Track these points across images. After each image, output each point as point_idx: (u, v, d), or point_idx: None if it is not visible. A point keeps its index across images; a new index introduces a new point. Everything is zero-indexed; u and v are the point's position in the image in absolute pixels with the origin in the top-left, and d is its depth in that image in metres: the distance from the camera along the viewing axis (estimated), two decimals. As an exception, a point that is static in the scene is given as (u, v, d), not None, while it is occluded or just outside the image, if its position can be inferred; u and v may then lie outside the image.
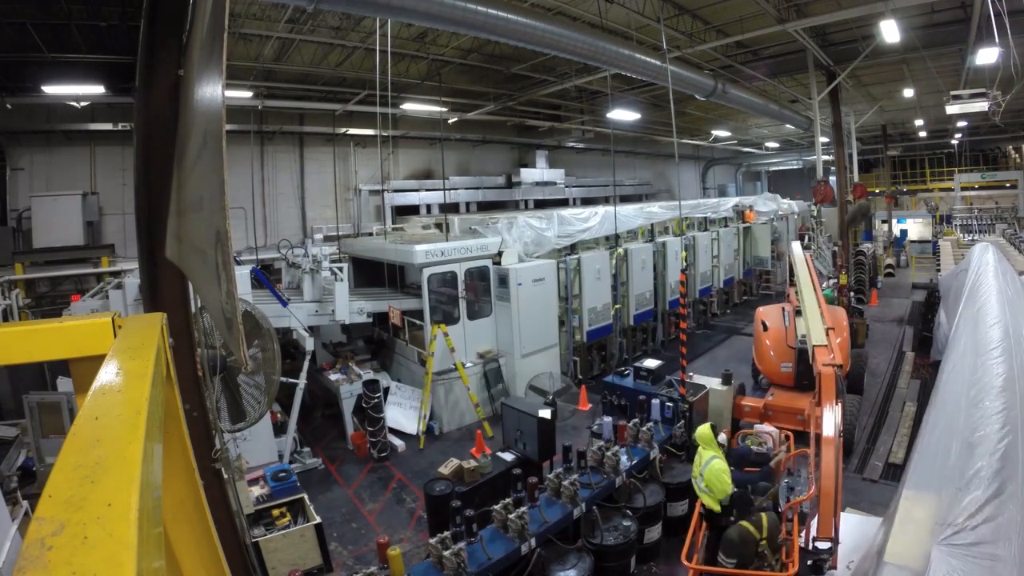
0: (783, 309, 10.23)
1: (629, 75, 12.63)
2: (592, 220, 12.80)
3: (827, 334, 6.03)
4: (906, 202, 36.22)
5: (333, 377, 10.14)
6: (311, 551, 5.88)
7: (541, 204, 22.33)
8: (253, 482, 6.52)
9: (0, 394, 9.08)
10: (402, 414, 10.10)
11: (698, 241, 15.97)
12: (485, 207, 21.04)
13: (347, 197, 19.09)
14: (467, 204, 20.96)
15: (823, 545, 4.99)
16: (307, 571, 5.72)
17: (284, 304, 9.11)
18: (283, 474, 6.52)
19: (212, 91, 1.98)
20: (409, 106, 16.51)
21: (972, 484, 3.43)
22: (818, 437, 5.45)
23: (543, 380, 9.67)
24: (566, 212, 13.21)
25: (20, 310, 10.47)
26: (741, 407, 9.15)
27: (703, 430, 5.67)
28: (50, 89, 11.45)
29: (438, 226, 15.22)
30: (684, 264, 11.48)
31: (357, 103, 15.39)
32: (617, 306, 12.99)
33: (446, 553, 4.24)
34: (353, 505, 7.99)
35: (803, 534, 5.67)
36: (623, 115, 18.82)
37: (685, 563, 5.02)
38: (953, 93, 12.79)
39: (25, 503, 5.37)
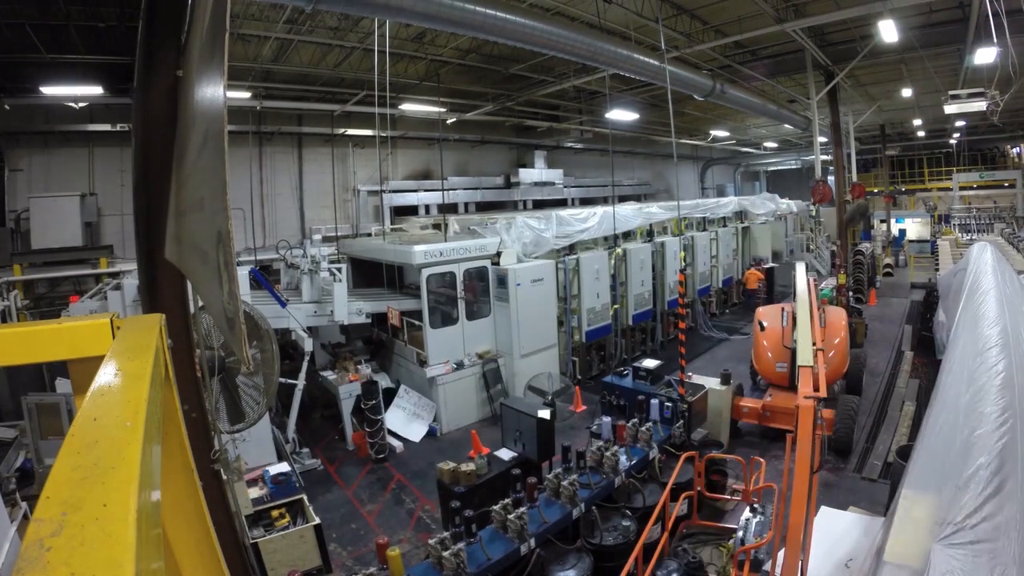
0: (782, 309, 10.25)
1: (628, 75, 12.64)
2: (591, 220, 12.81)
3: (816, 356, 5.14)
4: (905, 202, 36.29)
5: (332, 377, 10.14)
6: (310, 552, 5.88)
7: (540, 204, 22.34)
8: (252, 483, 6.51)
9: (-2, 395, 9.06)
10: (406, 420, 10.10)
11: (697, 241, 15.99)
12: (484, 207, 21.04)
13: (346, 198, 19.08)
14: (466, 204, 20.97)
15: None
16: (306, 572, 5.71)
17: (283, 305, 9.11)
18: (282, 477, 6.52)
19: (213, 91, 1.97)
20: (408, 106, 16.51)
21: (971, 483, 3.43)
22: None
23: (542, 380, 9.67)
24: (565, 212, 13.21)
25: (18, 311, 10.46)
26: (740, 408, 9.16)
27: None
28: (48, 90, 11.44)
29: (437, 226, 15.24)
30: (683, 264, 11.48)
31: (356, 104, 15.39)
32: (616, 306, 13.00)
33: (445, 554, 4.23)
34: (352, 506, 7.99)
35: None
36: (622, 115, 18.83)
37: None
38: (951, 93, 12.79)
39: (24, 504, 5.35)
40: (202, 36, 2.33)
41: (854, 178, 22.75)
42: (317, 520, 6.00)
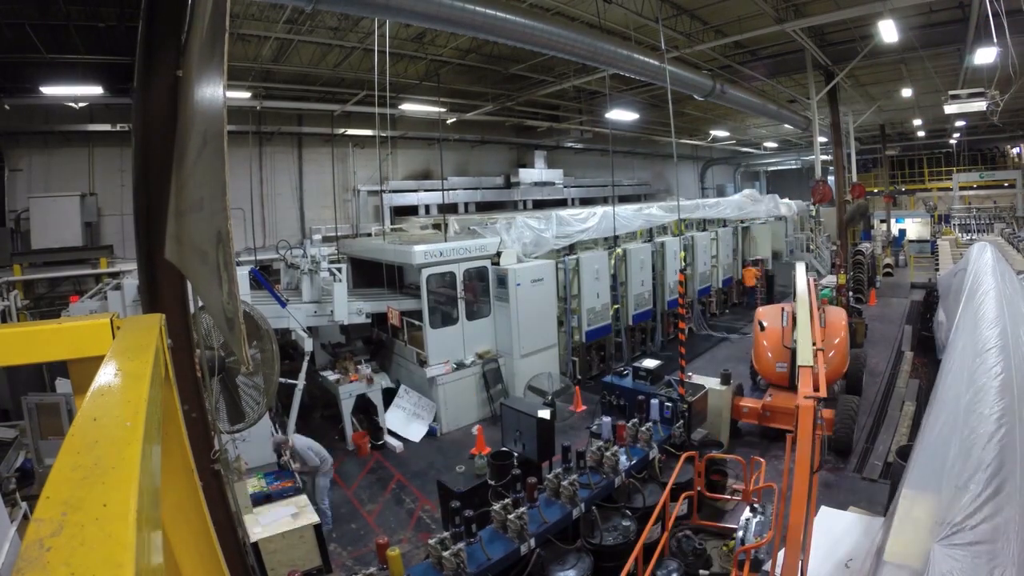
0: (782, 309, 10.25)
1: (628, 75, 12.64)
2: (591, 221, 12.81)
3: (816, 356, 5.14)
4: (904, 202, 36.29)
5: (332, 377, 10.14)
6: (310, 552, 5.88)
7: (540, 204, 22.32)
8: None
9: (-2, 395, 9.06)
10: (405, 420, 10.10)
11: (697, 241, 15.99)
12: (484, 207, 21.03)
13: (346, 198, 19.08)
14: (466, 204, 20.96)
15: None
16: (306, 572, 5.71)
17: (283, 305, 9.10)
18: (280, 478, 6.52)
19: (213, 91, 1.97)
20: (408, 106, 16.51)
21: (971, 483, 3.43)
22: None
23: (542, 380, 9.68)
24: (565, 212, 13.22)
25: (18, 311, 10.46)
26: (740, 408, 9.16)
27: None
28: (48, 90, 11.44)
29: (437, 226, 15.23)
30: (683, 264, 11.48)
31: (356, 104, 15.39)
32: (616, 306, 12.99)
33: (445, 554, 4.23)
34: (352, 506, 7.99)
35: None
36: (622, 115, 18.82)
37: None
38: (951, 93, 12.80)
39: (24, 504, 5.36)
40: (202, 36, 2.33)
41: (854, 178, 22.75)
42: (317, 520, 6.00)
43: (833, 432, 8.35)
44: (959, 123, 25.86)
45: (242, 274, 8.90)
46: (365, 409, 10.16)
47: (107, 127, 13.83)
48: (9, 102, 11.98)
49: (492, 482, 5.70)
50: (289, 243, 12.35)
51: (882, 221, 30.31)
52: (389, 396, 10.41)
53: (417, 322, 10.35)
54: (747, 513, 5.50)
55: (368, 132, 17.28)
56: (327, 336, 11.67)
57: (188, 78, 2.88)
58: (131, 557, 0.82)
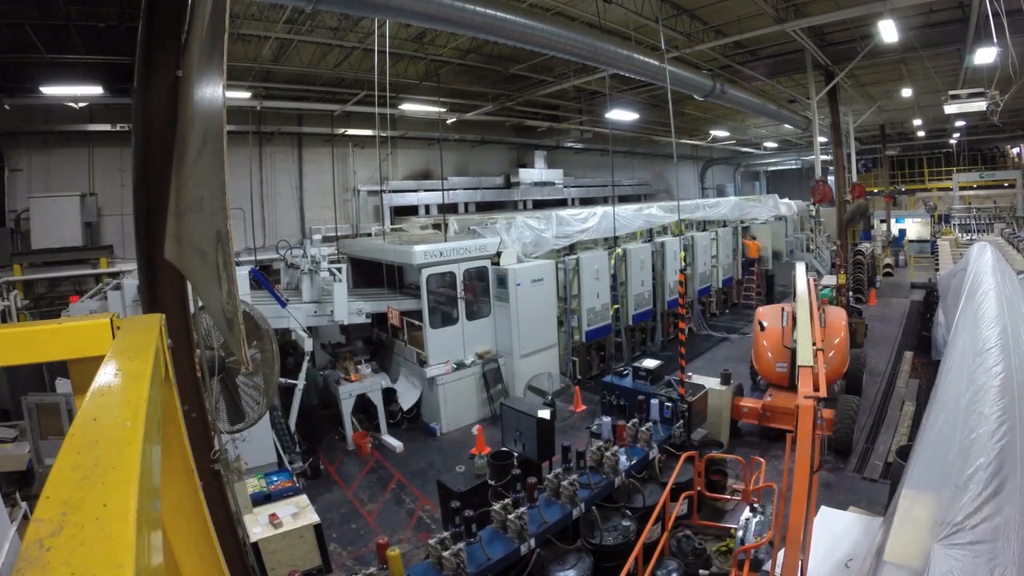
0: (782, 309, 10.25)
1: (628, 75, 12.64)
2: (591, 221, 12.81)
3: (816, 356, 5.19)
4: (904, 202, 36.29)
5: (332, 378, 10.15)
6: (310, 552, 5.88)
7: (540, 204, 22.32)
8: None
9: (-2, 395, 9.06)
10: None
11: (697, 241, 15.98)
12: (484, 207, 21.03)
13: (346, 198, 19.08)
14: (466, 204, 20.96)
15: None
16: (306, 572, 5.71)
17: (283, 305, 9.10)
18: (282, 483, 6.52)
19: (212, 92, 1.97)
20: (408, 106, 16.51)
21: (971, 483, 3.43)
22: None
23: (542, 380, 9.67)
24: (565, 212, 13.21)
25: (18, 311, 10.46)
26: (740, 408, 9.16)
27: None
28: (48, 90, 11.44)
29: (437, 226, 15.22)
30: (683, 264, 11.48)
31: (356, 104, 15.39)
32: (616, 306, 12.99)
33: (445, 554, 4.23)
34: (352, 506, 7.99)
35: None
36: (622, 115, 18.82)
37: None
38: (951, 93, 12.80)
39: (24, 504, 5.36)
40: (202, 36, 2.34)
41: (854, 178, 22.75)
42: (317, 520, 6.00)
43: (833, 432, 8.35)
44: (959, 123, 25.85)
45: (242, 274, 8.89)
46: (365, 409, 10.17)
47: (107, 127, 13.83)
48: (9, 102, 11.98)
49: (492, 482, 5.70)
50: (289, 243, 12.35)
51: (882, 221, 30.30)
52: (389, 397, 10.43)
53: (417, 322, 10.35)
54: (747, 513, 5.50)
55: (368, 132, 17.27)
56: (327, 336, 11.67)
57: (188, 78, 2.88)
58: (131, 557, 0.82)
